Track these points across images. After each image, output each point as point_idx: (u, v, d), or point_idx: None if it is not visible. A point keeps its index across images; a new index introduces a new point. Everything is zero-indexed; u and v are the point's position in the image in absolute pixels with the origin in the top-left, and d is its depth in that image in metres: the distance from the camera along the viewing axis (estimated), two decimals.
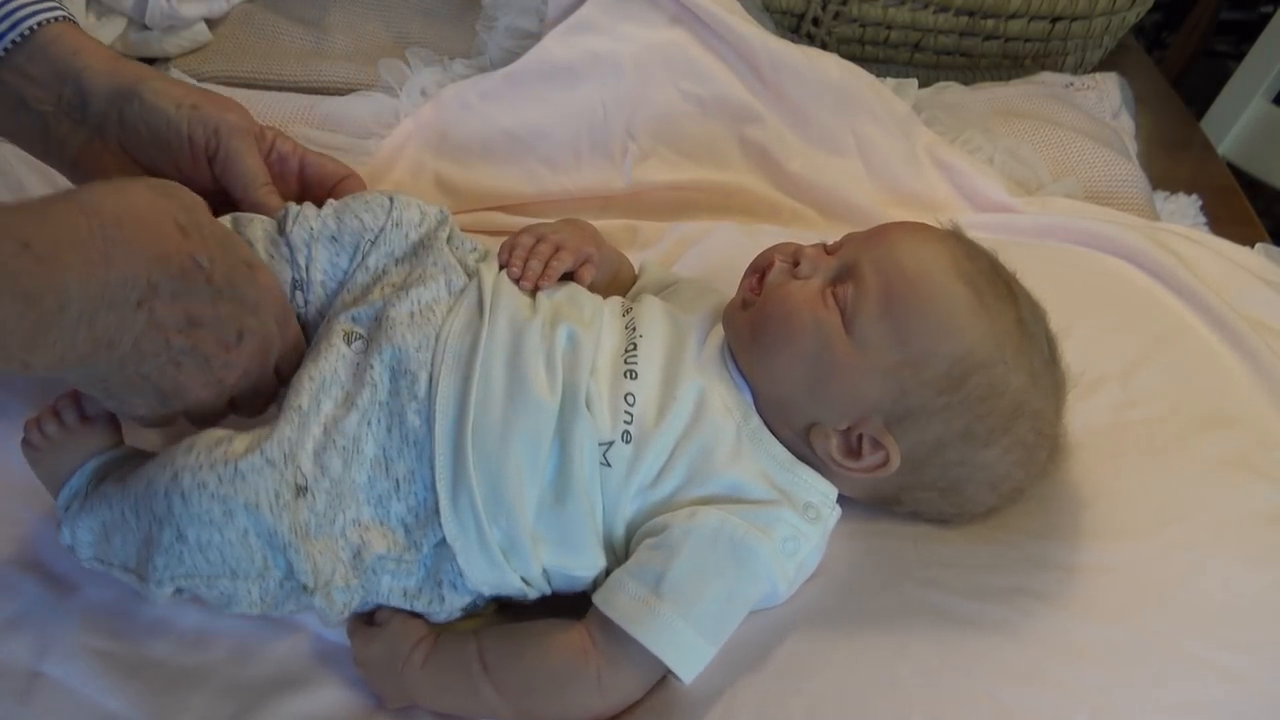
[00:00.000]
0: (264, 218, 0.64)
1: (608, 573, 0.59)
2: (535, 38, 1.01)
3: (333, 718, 0.59)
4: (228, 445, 0.54)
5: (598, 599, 0.57)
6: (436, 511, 0.57)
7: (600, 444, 0.58)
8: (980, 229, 0.77)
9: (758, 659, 0.58)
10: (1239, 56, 1.54)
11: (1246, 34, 1.65)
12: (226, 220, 0.63)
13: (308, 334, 0.63)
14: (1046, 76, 1.16)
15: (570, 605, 0.60)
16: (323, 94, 1.07)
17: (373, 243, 0.63)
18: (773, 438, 0.61)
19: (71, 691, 0.58)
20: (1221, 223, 1.03)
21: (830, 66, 0.98)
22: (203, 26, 1.14)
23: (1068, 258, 0.86)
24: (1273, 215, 1.25)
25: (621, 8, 0.98)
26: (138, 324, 0.50)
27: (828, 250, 0.64)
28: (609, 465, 0.58)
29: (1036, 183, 1.00)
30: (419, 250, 0.64)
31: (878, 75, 1.03)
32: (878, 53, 1.19)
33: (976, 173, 0.96)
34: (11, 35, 0.62)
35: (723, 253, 0.85)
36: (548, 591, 0.60)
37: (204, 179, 0.66)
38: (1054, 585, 0.60)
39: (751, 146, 0.97)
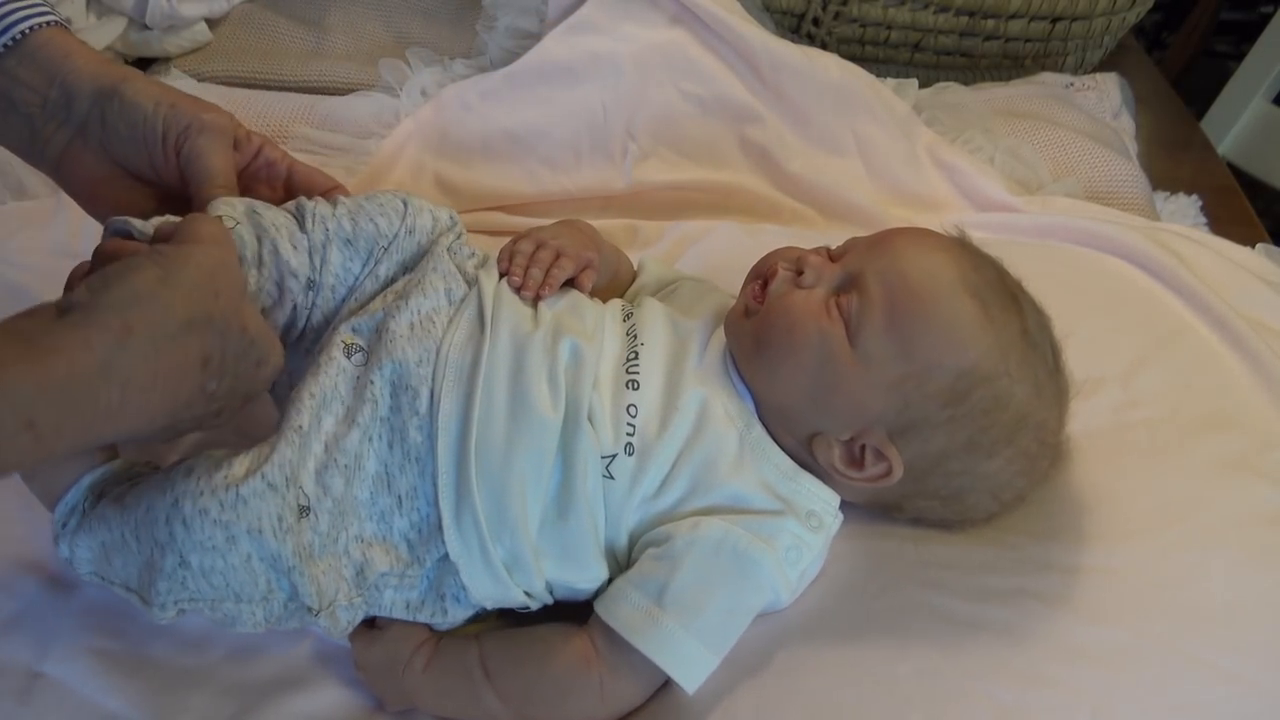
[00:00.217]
0: (284, 210, 0.61)
1: (609, 580, 0.58)
2: (535, 38, 1.01)
3: (333, 718, 0.59)
4: (228, 469, 0.53)
5: (600, 609, 0.56)
6: (439, 527, 0.57)
7: (603, 457, 0.58)
8: (981, 229, 0.78)
9: (757, 661, 0.58)
10: (1239, 56, 1.54)
11: (1246, 34, 1.66)
12: (245, 222, 0.59)
13: (310, 339, 0.62)
14: (1046, 76, 1.16)
15: (572, 607, 0.60)
16: (323, 94, 1.07)
17: (385, 249, 0.62)
18: (775, 446, 0.60)
19: (71, 691, 0.58)
20: (1221, 223, 1.03)
21: (830, 66, 0.98)
22: (203, 26, 1.15)
23: (1068, 258, 0.86)
24: (1273, 215, 1.25)
25: (621, 8, 0.98)
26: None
27: (831, 257, 0.63)
28: (612, 478, 0.58)
29: (1037, 182, 1.00)
30: (419, 252, 0.64)
31: (878, 75, 1.03)
32: (878, 53, 1.19)
33: (977, 172, 0.96)
34: (3, 40, 0.61)
35: (723, 252, 0.85)
36: (550, 602, 0.60)
37: (175, 176, 0.65)
38: (1054, 586, 0.60)
39: (751, 146, 0.97)
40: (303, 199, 0.63)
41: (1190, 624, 0.58)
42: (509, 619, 0.62)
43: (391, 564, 0.57)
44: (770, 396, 0.61)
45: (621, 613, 0.55)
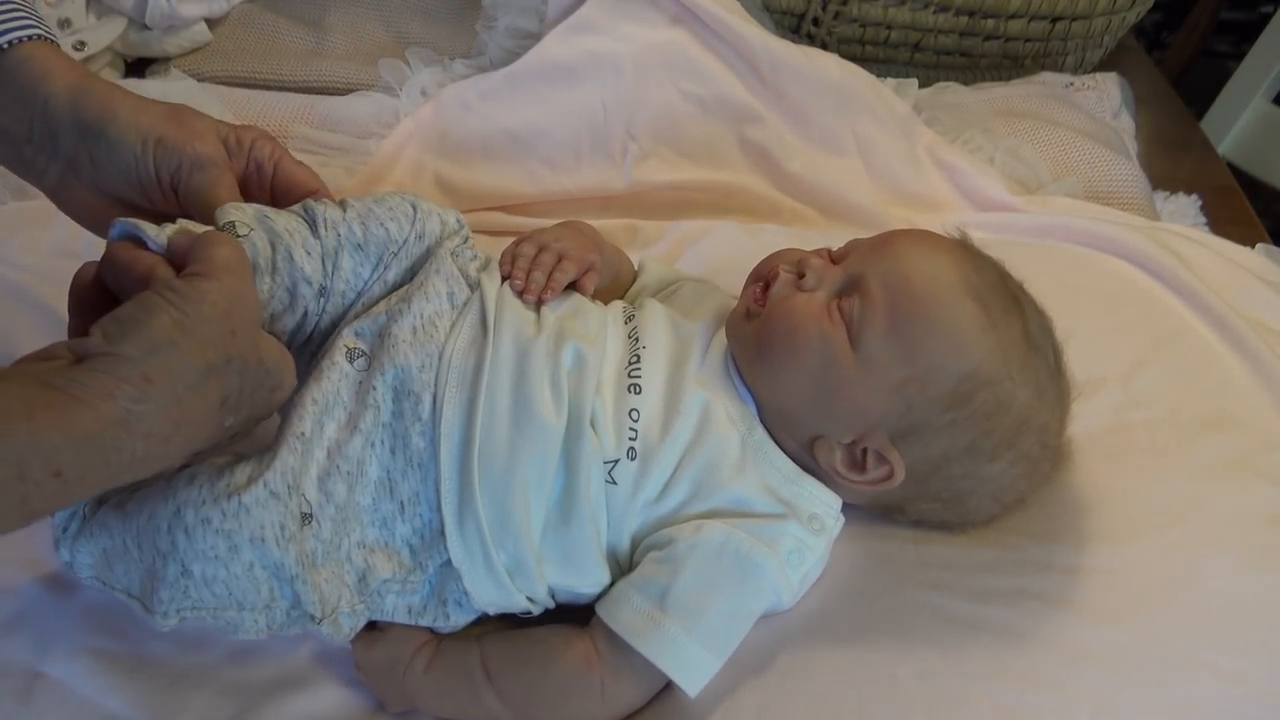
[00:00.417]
0: (295, 214, 0.61)
1: (611, 584, 0.58)
2: (535, 38, 1.01)
3: (333, 718, 0.58)
4: (230, 477, 0.53)
5: (602, 612, 0.56)
6: (441, 533, 0.56)
7: (605, 462, 0.57)
8: (981, 229, 0.78)
9: (759, 662, 0.58)
10: (1239, 56, 1.54)
11: (1246, 34, 1.66)
12: (257, 228, 0.58)
13: (316, 343, 0.61)
14: (1046, 76, 1.16)
15: (574, 609, 0.60)
16: (323, 94, 1.07)
17: (395, 255, 0.62)
18: (777, 449, 0.60)
19: (71, 691, 0.58)
20: (1221, 223, 1.03)
21: (830, 66, 0.98)
22: (203, 26, 1.14)
23: (1069, 258, 0.86)
24: (1273, 215, 1.25)
25: (621, 8, 0.98)
26: None
27: (832, 258, 0.63)
28: (614, 483, 0.58)
29: (1037, 182, 1.00)
30: (426, 255, 0.63)
31: (878, 75, 1.03)
32: (878, 53, 1.19)
33: (977, 172, 0.96)
34: None
35: (724, 252, 0.85)
36: (552, 606, 0.60)
37: (174, 207, 0.64)
38: (1055, 587, 0.60)
39: (751, 146, 0.97)
40: (309, 201, 0.62)
41: (1191, 624, 0.58)
42: (510, 621, 0.62)
43: (394, 570, 0.57)
44: (772, 399, 0.61)
45: (623, 616, 0.55)
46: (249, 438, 0.56)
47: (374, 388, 0.56)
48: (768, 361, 0.60)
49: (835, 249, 0.64)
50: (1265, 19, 1.50)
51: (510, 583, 0.57)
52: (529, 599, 0.58)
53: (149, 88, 1.03)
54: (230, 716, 0.57)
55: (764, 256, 0.65)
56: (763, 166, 0.97)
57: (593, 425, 0.58)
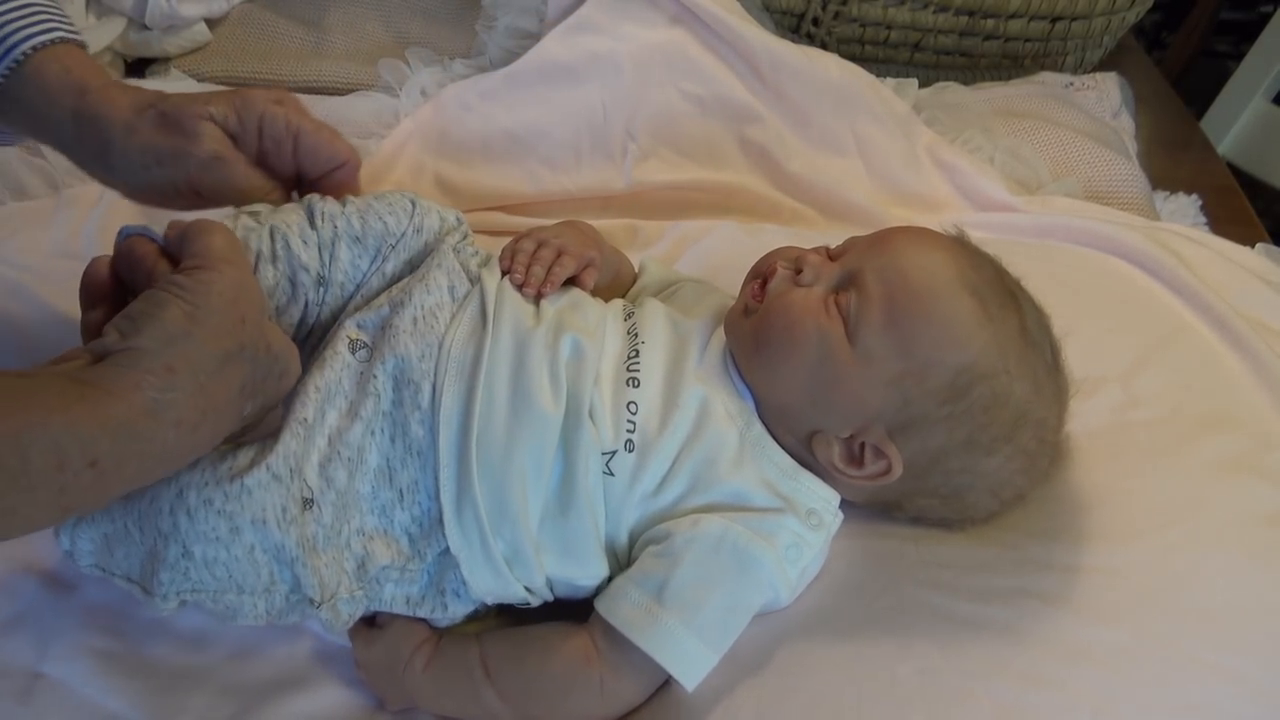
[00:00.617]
0: (297, 209, 0.62)
1: (610, 579, 0.58)
2: (535, 38, 1.01)
3: (333, 718, 0.59)
4: (233, 460, 0.53)
5: (600, 606, 0.57)
6: (440, 521, 0.57)
7: (603, 454, 0.58)
8: (981, 228, 0.78)
9: (758, 659, 0.58)
10: (1239, 56, 1.54)
11: (1246, 34, 1.66)
12: (259, 223, 0.60)
13: (317, 336, 0.62)
14: (1046, 76, 1.16)
15: (572, 607, 0.60)
16: (323, 94, 1.07)
17: (393, 248, 0.62)
18: (775, 444, 0.61)
19: (71, 691, 0.58)
20: (1221, 223, 1.03)
21: (830, 66, 0.98)
22: (203, 26, 1.14)
23: (1068, 258, 0.86)
24: (1273, 215, 1.25)
25: (621, 8, 0.98)
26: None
27: (830, 256, 0.63)
28: (612, 474, 0.58)
29: (1037, 182, 1.00)
30: (426, 251, 0.64)
31: (878, 75, 1.03)
32: (878, 53, 1.19)
33: (977, 172, 0.96)
34: (3, 65, 0.60)
35: (723, 252, 0.85)
36: (550, 599, 0.60)
37: (197, 205, 0.65)
38: (1055, 586, 0.60)
39: (751, 146, 0.97)
40: (312, 197, 0.63)
41: (1191, 624, 0.58)
42: (509, 619, 0.62)
43: (393, 557, 0.57)
44: (770, 395, 0.61)
45: (621, 610, 0.55)
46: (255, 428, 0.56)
47: (374, 376, 0.57)
48: (765, 356, 0.60)
49: (833, 247, 0.64)
50: (1265, 19, 1.50)
51: (508, 572, 0.57)
52: (527, 589, 0.58)
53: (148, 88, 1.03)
54: (230, 716, 0.58)
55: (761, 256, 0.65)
56: (763, 166, 0.97)
57: (591, 416, 0.58)
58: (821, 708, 0.55)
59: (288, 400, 0.57)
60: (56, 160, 0.91)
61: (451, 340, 0.59)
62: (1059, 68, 1.22)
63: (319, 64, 1.13)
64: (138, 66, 1.15)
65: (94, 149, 0.63)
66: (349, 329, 0.59)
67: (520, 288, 0.64)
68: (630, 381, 0.60)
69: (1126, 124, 1.13)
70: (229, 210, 0.63)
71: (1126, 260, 0.85)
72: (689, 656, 0.55)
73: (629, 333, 0.64)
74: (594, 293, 0.68)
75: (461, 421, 0.57)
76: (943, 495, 0.61)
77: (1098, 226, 0.88)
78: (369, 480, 0.57)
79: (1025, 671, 0.56)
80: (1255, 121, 1.49)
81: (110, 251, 0.55)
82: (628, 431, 0.58)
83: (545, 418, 0.57)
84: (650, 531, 0.58)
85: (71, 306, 0.79)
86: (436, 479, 0.57)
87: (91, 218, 0.87)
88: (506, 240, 0.69)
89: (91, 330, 0.54)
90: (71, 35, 0.63)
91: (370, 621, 0.60)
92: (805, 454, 0.61)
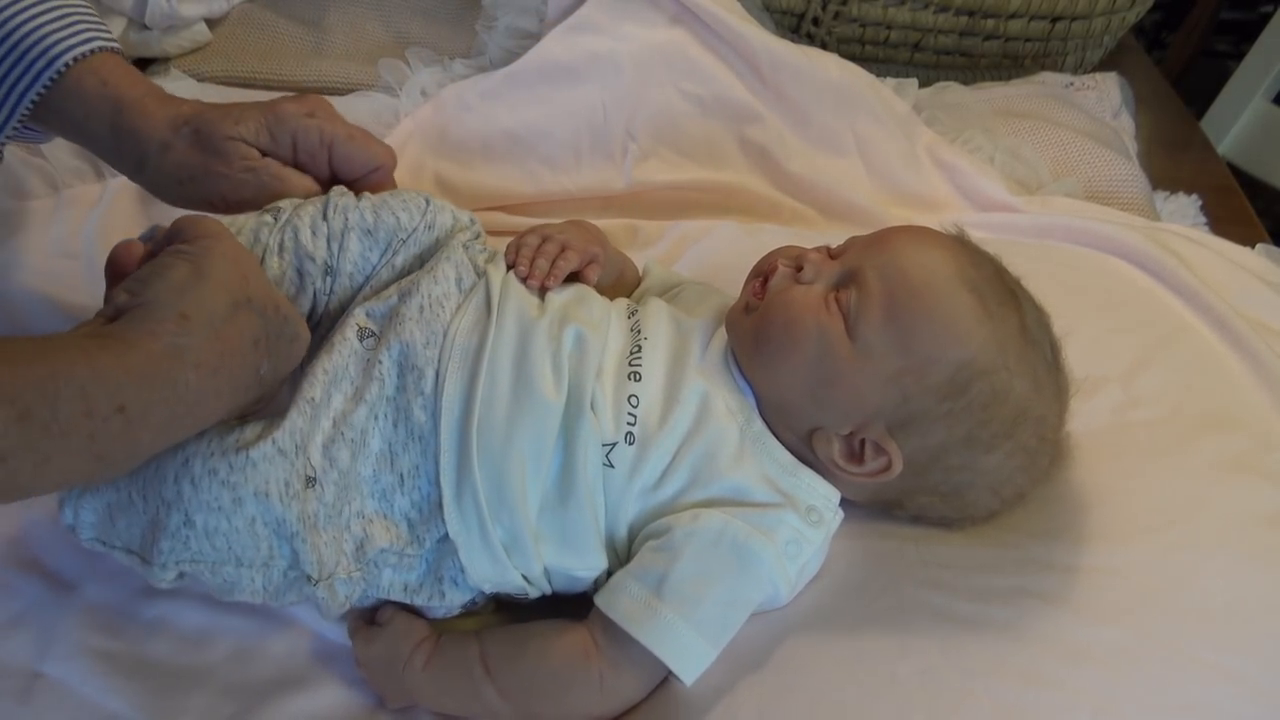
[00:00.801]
0: (315, 202, 0.63)
1: (609, 574, 0.59)
2: (535, 38, 1.01)
3: (333, 718, 0.59)
4: (239, 434, 0.54)
5: (600, 600, 0.57)
6: (440, 507, 0.57)
7: (603, 445, 0.58)
8: (981, 228, 0.78)
9: (759, 659, 0.58)
10: (1239, 56, 1.54)
11: (1246, 34, 1.66)
12: (275, 219, 0.62)
13: (326, 327, 0.63)
14: (1046, 76, 1.16)
15: (571, 606, 0.60)
16: (323, 94, 1.07)
17: (404, 241, 0.64)
18: (775, 441, 0.61)
19: (71, 691, 0.58)
20: (1221, 223, 1.03)
21: (830, 66, 0.98)
22: (203, 26, 1.14)
23: (1069, 258, 0.86)
24: (1273, 215, 1.25)
25: (621, 8, 0.98)
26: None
27: (831, 254, 0.64)
28: (612, 466, 0.58)
29: (1037, 182, 1.00)
30: (436, 246, 0.65)
31: (878, 75, 1.03)
32: (878, 53, 1.19)
33: (977, 172, 0.96)
34: (35, 89, 0.62)
35: (723, 251, 0.85)
36: (548, 591, 0.61)
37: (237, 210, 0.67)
38: (1055, 586, 0.60)
39: (751, 146, 0.97)
40: (334, 191, 0.65)
41: (1191, 624, 0.58)
42: (509, 616, 0.62)
43: (391, 540, 0.57)
44: (770, 391, 0.61)
45: (620, 603, 0.55)
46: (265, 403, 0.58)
47: (380, 361, 0.58)
48: (766, 353, 0.60)
49: (834, 246, 0.64)
50: (1265, 19, 1.50)
51: (506, 559, 0.57)
52: (524, 578, 0.58)
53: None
54: (230, 716, 0.58)
55: (763, 256, 0.66)
56: (762, 166, 0.97)
57: (592, 407, 0.58)
58: (822, 707, 0.55)
59: (295, 380, 0.58)
60: (56, 160, 0.91)
61: (456, 329, 0.60)
62: (1059, 68, 1.22)
63: (319, 64, 1.13)
64: (138, 66, 1.14)
65: (132, 163, 0.65)
66: (358, 317, 0.60)
67: (524, 280, 0.64)
68: (632, 376, 0.61)
69: (1126, 124, 1.13)
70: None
71: (1127, 260, 0.85)
72: (687, 651, 0.55)
73: (632, 329, 0.64)
74: (598, 291, 0.68)
75: (463, 407, 0.58)
76: (943, 493, 0.61)
77: (1098, 227, 0.88)
78: (371, 463, 0.57)
79: (1025, 671, 0.56)
80: (1255, 121, 1.49)
81: (109, 252, 0.55)
82: (628, 424, 0.59)
83: (546, 405, 0.57)
84: (650, 526, 0.58)
85: (72, 306, 0.79)
86: (437, 464, 0.57)
87: (91, 218, 0.87)
88: (507, 240, 0.69)
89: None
90: (109, 44, 0.65)
91: (370, 619, 0.61)
92: (806, 451, 0.61)
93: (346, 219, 0.62)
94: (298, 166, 0.67)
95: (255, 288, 0.53)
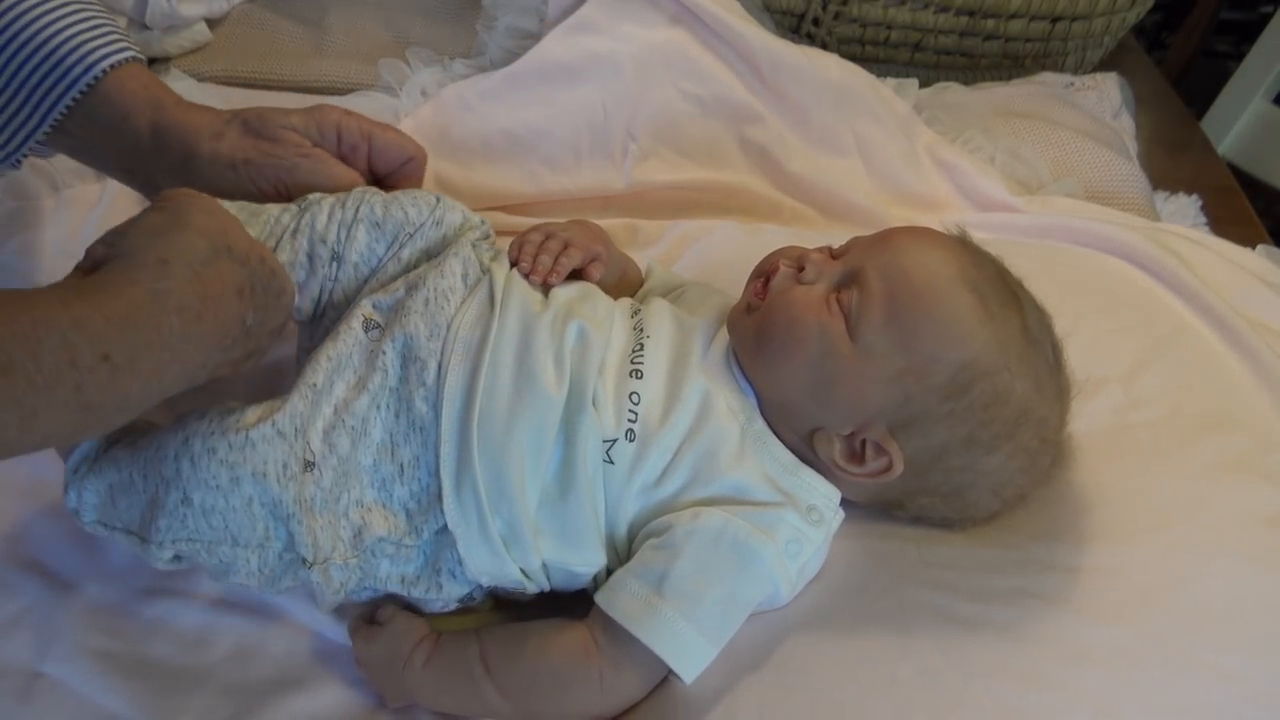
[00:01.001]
0: (336, 194, 0.66)
1: (609, 573, 0.59)
2: (535, 38, 1.01)
3: (333, 718, 0.59)
4: (240, 415, 0.55)
5: (600, 598, 0.57)
6: (439, 498, 0.57)
7: (604, 441, 0.58)
8: (981, 229, 0.77)
9: (759, 659, 0.58)
10: (1239, 56, 1.54)
11: (1246, 34, 1.66)
12: (300, 208, 0.64)
13: (331, 318, 0.64)
14: (1047, 76, 1.16)
15: (570, 605, 0.60)
16: (323, 94, 1.07)
17: (410, 236, 0.65)
18: (776, 440, 0.61)
19: (71, 691, 0.58)
20: (1221, 223, 1.03)
21: (830, 66, 0.98)
22: (203, 26, 1.14)
23: (1069, 258, 0.86)
24: (1273, 215, 1.25)
25: (621, 8, 0.98)
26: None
27: (833, 255, 0.64)
28: (612, 462, 0.58)
29: (1037, 182, 1.00)
30: (444, 244, 0.66)
31: (878, 75, 1.03)
32: (878, 53, 1.19)
33: (977, 172, 0.96)
34: (71, 94, 0.63)
35: (724, 252, 0.85)
36: (546, 587, 0.61)
37: (283, 199, 0.68)
38: (1056, 587, 0.60)
39: (751, 146, 0.97)
40: (357, 188, 0.66)
41: (1192, 625, 0.58)
42: (509, 615, 0.62)
43: (389, 529, 0.57)
44: (772, 391, 0.61)
45: (620, 601, 0.55)
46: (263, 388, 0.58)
47: (383, 352, 0.59)
48: (767, 353, 0.60)
49: (836, 246, 0.64)
50: (1265, 19, 1.50)
51: (505, 552, 0.57)
52: (523, 572, 0.59)
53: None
54: (230, 716, 0.58)
55: (764, 256, 0.66)
56: (763, 166, 0.97)
57: (594, 403, 0.59)
58: (822, 707, 0.55)
59: (299, 367, 0.59)
60: (56, 160, 0.91)
61: (460, 322, 0.60)
62: (1059, 68, 1.22)
63: (319, 64, 1.13)
64: None
65: (176, 157, 0.66)
66: (365, 308, 0.61)
67: (527, 276, 0.65)
68: (634, 373, 0.61)
69: (1127, 124, 1.13)
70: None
71: (1127, 261, 0.85)
72: (687, 649, 0.55)
73: (635, 327, 0.64)
74: (601, 289, 0.68)
75: (465, 399, 0.58)
76: (944, 494, 0.61)
77: (1098, 227, 0.88)
78: (371, 453, 0.58)
79: (1026, 672, 0.56)
80: (1255, 121, 1.49)
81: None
82: (629, 421, 0.59)
83: (547, 398, 0.58)
84: (650, 525, 0.58)
85: None
86: (437, 456, 0.57)
87: (91, 218, 0.87)
88: (508, 240, 0.69)
89: None
90: (139, 56, 0.66)
91: (370, 619, 0.61)
92: (807, 451, 0.61)
93: (358, 210, 0.64)
94: (341, 159, 0.69)
95: (235, 237, 0.53)
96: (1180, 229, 0.92)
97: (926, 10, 1.14)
